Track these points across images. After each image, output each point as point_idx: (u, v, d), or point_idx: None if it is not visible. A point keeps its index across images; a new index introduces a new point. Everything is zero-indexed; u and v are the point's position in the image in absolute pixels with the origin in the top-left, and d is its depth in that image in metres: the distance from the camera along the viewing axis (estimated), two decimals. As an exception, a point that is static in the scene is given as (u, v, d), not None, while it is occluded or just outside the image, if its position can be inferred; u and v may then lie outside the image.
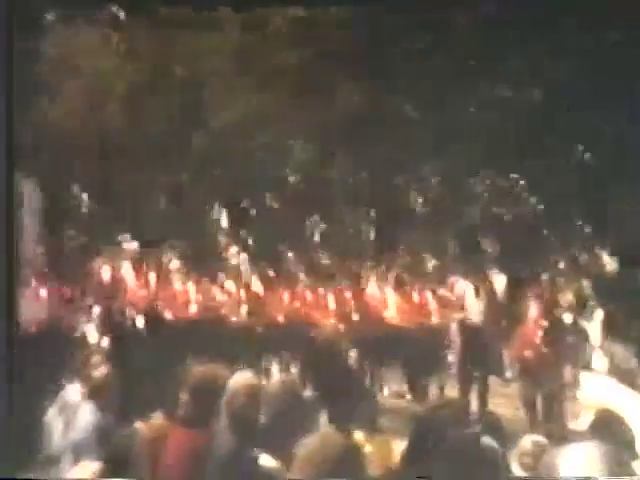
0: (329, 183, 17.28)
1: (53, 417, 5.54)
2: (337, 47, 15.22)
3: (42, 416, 5.57)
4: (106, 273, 12.15)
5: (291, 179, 18.23)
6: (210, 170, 18.11)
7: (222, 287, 12.13)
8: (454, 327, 11.41)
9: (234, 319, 11.80)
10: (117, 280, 11.91)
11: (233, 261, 13.47)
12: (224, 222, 18.28)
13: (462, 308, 11.17)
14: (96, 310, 10.82)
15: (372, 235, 17.49)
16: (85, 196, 18.86)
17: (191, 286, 12.01)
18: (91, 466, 4.75)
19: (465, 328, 11.03)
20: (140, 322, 11.29)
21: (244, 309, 11.94)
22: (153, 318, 11.53)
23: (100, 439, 4.99)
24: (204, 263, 13.00)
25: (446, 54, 14.62)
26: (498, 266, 12.16)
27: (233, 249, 14.52)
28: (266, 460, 4.26)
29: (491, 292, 11.24)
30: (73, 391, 5.55)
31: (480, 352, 10.77)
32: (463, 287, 11.36)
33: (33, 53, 16.23)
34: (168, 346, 10.16)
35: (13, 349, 4.85)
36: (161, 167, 17.55)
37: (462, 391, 10.69)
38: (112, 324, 9.41)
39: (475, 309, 11.08)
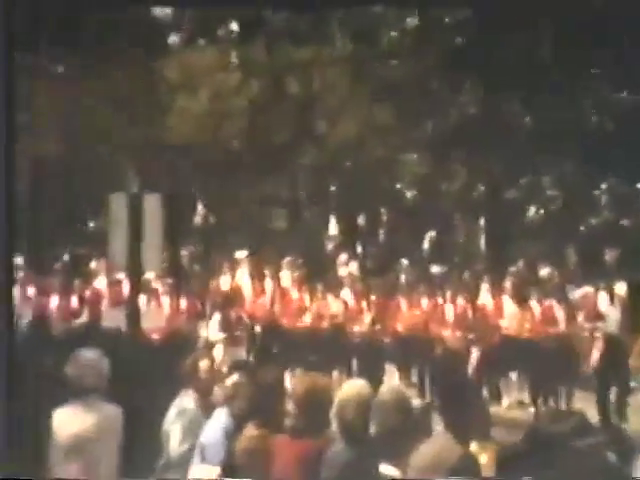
0: (444, 195, 17.14)
1: (171, 422, 5.65)
2: (451, 57, 15.12)
3: (160, 421, 5.70)
4: (225, 284, 12.43)
5: (407, 193, 18.21)
6: (326, 185, 18.30)
7: (337, 297, 12.17)
8: (589, 336, 11.08)
9: (356, 329, 11.79)
10: (235, 290, 12.15)
11: (347, 272, 13.52)
12: (339, 235, 18.40)
13: (599, 317, 10.93)
14: (216, 317, 11.07)
15: (483, 244, 17.25)
16: (206, 211, 19.38)
17: (307, 296, 12.11)
18: (211, 470, 4.84)
19: (605, 337, 10.76)
20: (257, 329, 11.51)
21: (364, 319, 11.91)
22: (270, 326, 11.71)
23: (225, 444, 5.09)
24: (320, 275, 13.09)
25: (561, 61, 14.31)
26: (619, 274, 11.81)
27: (347, 262, 14.59)
28: (386, 469, 4.24)
29: (623, 301, 10.94)
30: (187, 398, 5.65)
31: (619, 362, 10.49)
32: (592, 296, 11.10)
33: (156, 73, 16.84)
34: (285, 354, 10.31)
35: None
36: (278, 182, 17.83)
37: (599, 402, 10.35)
38: (230, 331, 9.64)
39: (612, 318, 10.84)
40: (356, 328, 11.91)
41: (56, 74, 17.79)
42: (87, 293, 11.50)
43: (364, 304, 12.11)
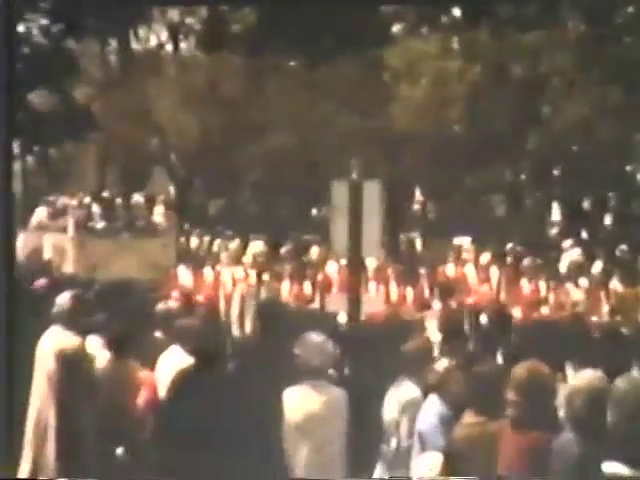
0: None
1: (398, 412, 5.72)
2: None
3: (378, 407, 5.81)
4: (450, 270, 12.34)
5: (638, 176, 17.31)
6: (548, 170, 17.77)
7: (577, 285, 11.63)
8: None
9: (594, 319, 11.25)
10: (459, 277, 11.99)
11: (571, 258, 12.99)
12: (562, 221, 17.82)
13: None
14: (436, 306, 11.05)
15: None
16: (424, 198, 19.45)
17: (542, 284, 11.61)
18: (437, 457, 4.87)
19: None
20: (483, 320, 11.28)
21: (605, 308, 11.34)
22: (499, 316, 11.36)
23: (443, 431, 5.11)
24: (545, 262, 12.65)
25: None
26: None
27: (571, 247, 14.06)
28: (611, 466, 4.08)
29: None
30: (410, 386, 5.71)
31: None
32: None
33: (380, 63, 17.10)
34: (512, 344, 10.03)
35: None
36: (500, 168, 17.54)
37: None
38: (451, 321, 9.52)
39: None
40: (594, 318, 11.33)
41: (287, 67, 18.53)
42: (318, 278, 11.74)
43: (602, 294, 11.50)
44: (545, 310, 11.41)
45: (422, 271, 12.11)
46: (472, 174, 17.45)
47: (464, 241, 13.61)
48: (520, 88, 16.16)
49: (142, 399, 5.82)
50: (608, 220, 17.51)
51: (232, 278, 11.98)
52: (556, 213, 18.05)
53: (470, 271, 12.20)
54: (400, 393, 5.79)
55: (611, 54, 15.17)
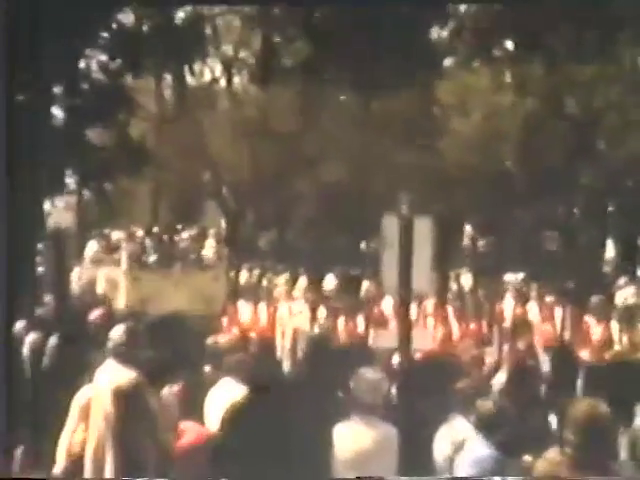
0: None
1: (445, 449, 5.64)
2: None
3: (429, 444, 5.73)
4: (508, 310, 12.02)
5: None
6: (604, 206, 17.55)
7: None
8: None
9: None
10: (522, 317, 11.63)
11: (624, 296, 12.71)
12: (616, 258, 17.52)
13: None
14: (504, 348, 10.67)
15: None
16: (474, 233, 19.30)
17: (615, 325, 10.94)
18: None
19: None
20: (545, 362, 10.91)
21: None
22: (563, 358, 10.98)
23: (494, 471, 5.02)
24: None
25: None
26: None
27: (625, 285, 13.76)
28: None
29: None
30: (460, 423, 5.63)
31: None
32: None
33: (431, 96, 17.12)
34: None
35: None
36: (551, 203, 17.37)
37: None
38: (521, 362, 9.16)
39: None
40: None
41: (339, 101, 18.66)
42: (373, 313, 11.62)
43: None
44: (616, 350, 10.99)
45: (475, 308, 11.91)
46: (524, 209, 17.30)
47: (513, 277, 13.41)
48: (574, 123, 16.03)
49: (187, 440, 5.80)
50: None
51: (286, 313, 11.98)
52: (610, 250, 17.76)
53: (533, 310, 11.85)
54: (452, 430, 5.73)
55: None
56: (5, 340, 7.59)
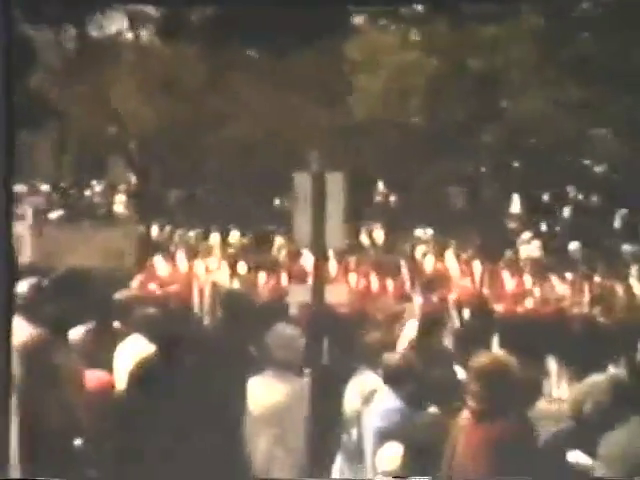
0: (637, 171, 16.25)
1: (354, 402, 5.72)
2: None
3: (341, 401, 5.79)
4: (429, 263, 12.11)
5: (597, 169, 17.50)
6: (508, 162, 17.92)
7: (563, 279, 11.42)
8: None
9: (576, 311, 11.20)
10: (439, 272, 11.74)
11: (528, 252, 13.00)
12: (521, 214, 17.95)
13: None
14: (417, 300, 10.74)
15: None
16: (387, 190, 19.48)
17: (529, 279, 11.32)
18: (397, 448, 4.88)
19: None
20: (465, 314, 11.06)
21: (587, 301, 11.25)
22: (480, 311, 11.19)
23: (401, 424, 5.11)
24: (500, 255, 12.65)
25: None
26: None
27: (530, 240, 14.13)
28: (576, 456, 4.13)
29: None
30: (369, 376, 5.72)
31: None
32: None
33: (336, 53, 17.08)
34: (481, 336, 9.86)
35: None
36: (458, 160, 17.64)
37: None
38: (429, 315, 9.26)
39: None
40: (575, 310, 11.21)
41: (247, 59, 18.44)
42: (292, 269, 11.43)
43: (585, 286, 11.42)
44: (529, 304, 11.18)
45: (402, 263, 11.72)
46: (432, 166, 17.53)
47: (423, 232, 13.59)
48: (478, 81, 16.25)
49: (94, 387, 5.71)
50: (567, 213, 17.70)
51: (204, 268, 11.86)
52: (515, 205, 18.17)
53: (452, 265, 11.98)
54: (362, 384, 5.81)
55: (568, 49, 15.33)
56: None
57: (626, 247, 13.38)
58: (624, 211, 16.47)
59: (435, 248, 12.48)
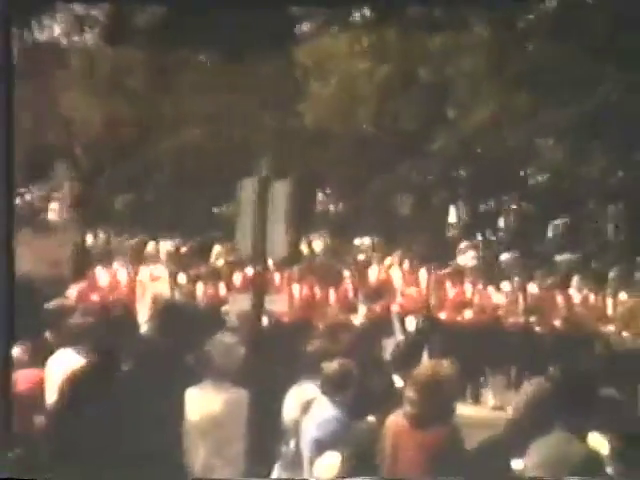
0: (579, 181, 16.52)
1: (293, 412, 5.70)
2: (592, 40, 14.57)
3: (280, 411, 5.76)
4: (373, 273, 12.07)
5: (538, 178, 17.74)
6: (454, 171, 18.08)
7: (499, 289, 11.49)
8: None
9: (511, 320, 11.36)
10: (382, 282, 11.76)
11: (465, 260, 13.09)
12: (461, 222, 18.13)
13: None
14: (362, 310, 10.81)
15: (619, 235, 16.57)
16: (335, 198, 19.52)
17: (469, 287, 11.44)
18: (335, 457, 4.86)
19: None
20: (411, 323, 11.09)
21: (522, 311, 11.40)
22: (424, 319, 11.22)
23: (338, 433, 5.10)
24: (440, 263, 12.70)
25: None
26: None
27: (466, 250, 14.23)
28: (509, 461, 4.19)
29: None
30: (308, 386, 5.69)
31: None
32: None
33: (290, 60, 17.07)
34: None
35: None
36: (406, 168, 17.74)
37: None
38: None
39: None
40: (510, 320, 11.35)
41: (195, 63, 18.34)
42: (233, 279, 11.38)
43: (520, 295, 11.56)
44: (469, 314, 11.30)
45: (346, 272, 11.72)
46: (380, 173, 17.60)
47: (362, 242, 13.60)
48: (427, 90, 16.36)
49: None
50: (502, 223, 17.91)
51: (146, 278, 11.66)
52: (453, 215, 18.32)
53: (396, 273, 11.99)
54: (301, 393, 5.78)
55: (515, 59, 15.53)
56: None
57: (561, 257, 13.57)
58: (559, 221, 16.75)
59: (380, 256, 12.51)
